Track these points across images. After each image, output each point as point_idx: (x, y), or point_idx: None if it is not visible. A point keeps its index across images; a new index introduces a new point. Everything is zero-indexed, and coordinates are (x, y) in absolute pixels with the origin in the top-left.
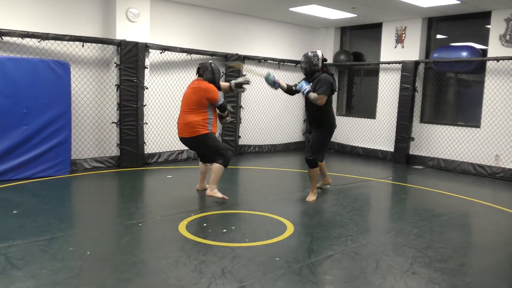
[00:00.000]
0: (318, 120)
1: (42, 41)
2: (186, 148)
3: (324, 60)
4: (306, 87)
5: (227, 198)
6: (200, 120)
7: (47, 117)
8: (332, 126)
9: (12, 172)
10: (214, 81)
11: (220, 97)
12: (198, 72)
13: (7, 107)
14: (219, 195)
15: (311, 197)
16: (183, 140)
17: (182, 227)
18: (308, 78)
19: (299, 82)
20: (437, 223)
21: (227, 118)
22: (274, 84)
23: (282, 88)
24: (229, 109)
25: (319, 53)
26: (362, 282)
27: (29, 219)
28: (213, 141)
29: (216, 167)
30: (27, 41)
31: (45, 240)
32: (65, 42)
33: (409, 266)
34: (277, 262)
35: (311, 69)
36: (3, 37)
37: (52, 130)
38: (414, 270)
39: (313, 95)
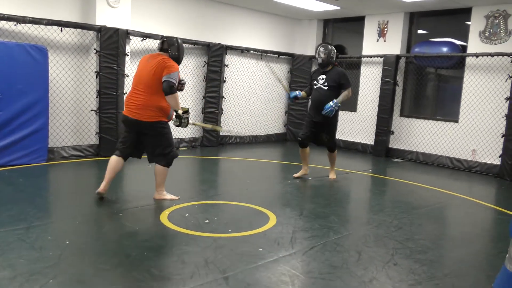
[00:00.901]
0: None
1: (18, 24)
2: None
3: (337, 56)
4: (335, 104)
5: (178, 197)
6: (165, 105)
7: (23, 103)
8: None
9: None
10: (178, 60)
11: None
12: (162, 45)
13: None
14: (169, 196)
15: (333, 175)
16: (133, 122)
17: (163, 217)
18: (322, 68)
19: (329, 106)
20: (416, 215)
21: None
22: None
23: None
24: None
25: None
26: (345, 272)
27: (4, 207)
28: (167, 134)
29: (160, 169)
30: (3, 24)
31: (22, 229)
32: (42, 27)
33: (390, 257)
34: (260, 253)
35: (328, 60)
36: None
37: (28, 116)
38: (395, 261)
39: (345, 95)
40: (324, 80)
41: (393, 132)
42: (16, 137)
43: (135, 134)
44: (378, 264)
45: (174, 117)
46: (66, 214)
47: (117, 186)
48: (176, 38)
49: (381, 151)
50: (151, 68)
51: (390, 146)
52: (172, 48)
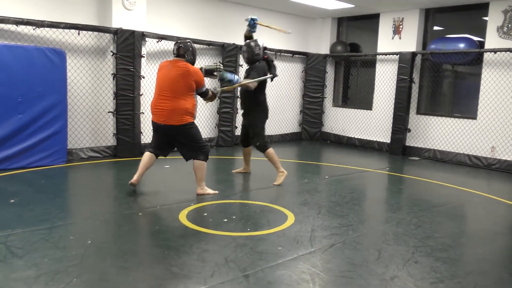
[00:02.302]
0: (254, 106)
1: (37, 28)
2: None
3: (265, 48)
4: (233, 77)
5: (217, 192)
6: (190, 106)
7: (42, 106)
8: (267, 110)
9: (7, 162)
10: (194, 62)
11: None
12: (178, 51)
13: (2, 96)
14: (211, 191)
15: (280, 180)
16: (162, 127)
17: (182, 217)
18: (250, 65)
19: (225, 74)
20: (435, 213)
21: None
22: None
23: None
24: (214, 91)
25: (260, 41)
26: (365, 270)
27: (27, 208)
28: (197, 132)
29: (199, 163)
30: (22, 28)
31: (45, 229)
32: (60, 30)
33: (410, 255)
34: (279, 251)
35: (254, 58)
36: None
37: (47, 119)
38: (415, 259)
39: (244, 81)
40: (245, 76)
41: (409, 130)
42: (36, 139)
43: (165, 137)
44: (399, 262)
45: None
46: (87, 214)
47: (135, 187)
48: (190, 42)
49: (398, 149)
50: (175, 74)
51: (407, 144)
52: (188, 53)
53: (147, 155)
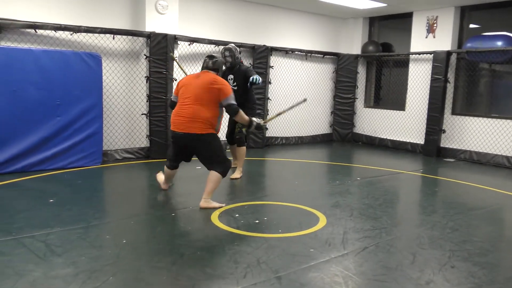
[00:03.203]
0: (244, 103)
1: (74, 33)
2: None
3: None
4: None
5: (224, 204)
6: (212, 117)
7: (79, 109)
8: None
9: (47, 162)
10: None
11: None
12: (213, 66)
13: (42, 99)
14: (216, 204)
15: (238, 174)
16: (182, 136)
17: (214, 218)
18: (230, 70)
19: (252, 78)
20: (473, 217)
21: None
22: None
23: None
24: (257, 122)
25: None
26: (400, 275)
27: (65, 207)
28: (218, 143)
29: (215, 175)
30: (60, 33)
31: (82, 228)
32: (96, 35)
33: (447, 259)
34: (312, 253)
35: (235, 61)
36: (37, 30)
37: (84, 121)
38: (452, 263)
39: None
40: (233, 81)
41: (444, 131)
42: (74, 141)
43: (184, 149)
44: (435, 266)
45: (254, 128)
46: (122, 214)
47: (169, 187)
48: (221, 59)
49: (432, 151)
50: (202, 82)
51: (442, 145)
52: (220, 70)
53: (167, 172)
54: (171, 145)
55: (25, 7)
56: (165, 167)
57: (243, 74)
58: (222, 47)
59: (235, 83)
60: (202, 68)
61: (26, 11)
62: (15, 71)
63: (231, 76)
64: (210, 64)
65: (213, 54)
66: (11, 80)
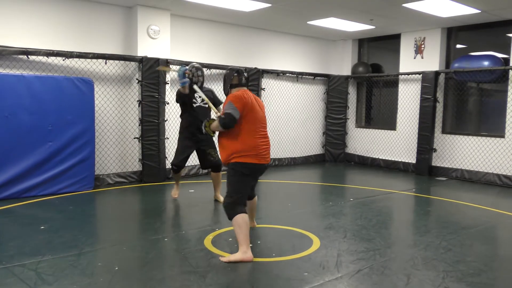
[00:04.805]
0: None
1: (66, 59)
2: None
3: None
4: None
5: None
6: None
7: (71, 133)
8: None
9: (38, 188)
10: None
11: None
12: (247, 82)
13: (33, 124)
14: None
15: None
16: (265, 168)
17: (207, 242)
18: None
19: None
20: (465, 236)
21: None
22: (183, 78)
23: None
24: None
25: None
26: None
27: (57, 234)
28: None
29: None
30: (52, 59)
31: (73, 256)
32: (88, 60)
33: (441, 280)
34: (306, 277)
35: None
36: (29, 56)
37: (76, 146)
38: (446, 284)
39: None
40: (201, 99)
41: (435, 150)
42: (65, 166)
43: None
44: (429, 287)
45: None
46: (114, 240)
47: (161, 212)
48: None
49: (424, 170)
50: (262, 108)
51: (433, 164)
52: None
53: (245, 217)
54: (246, 180)
55: (17, 33)
56: (242, 213)
57: (210, 94)
58: (193, 66)
59: (205, 102)
60: (241, 85)
61: (18, 37)
62: (7, 96)
63: (199, 94)
64: (245, 80)
65: (235, 68)
66: (3, 105)
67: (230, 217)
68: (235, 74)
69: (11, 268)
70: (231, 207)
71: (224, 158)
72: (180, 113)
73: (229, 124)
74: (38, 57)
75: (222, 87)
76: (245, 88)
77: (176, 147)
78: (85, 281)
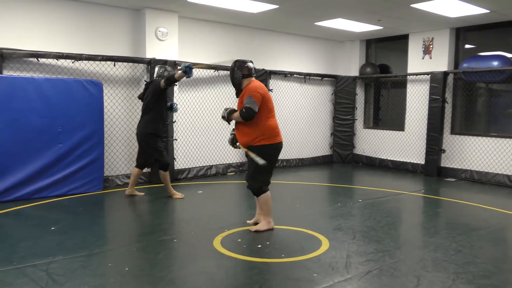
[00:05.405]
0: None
1: (76, 61)
2: (215, 163)
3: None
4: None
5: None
6: None
7: (81, 135)
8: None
9: (48, 190)
10: None
11: None
12: (255, 71)
13: (44, 126)
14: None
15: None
16: (282, 146)
17: (216, 243)
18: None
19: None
20: (475, 237)
21: None
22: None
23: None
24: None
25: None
26: None
27: (67, 235)
28: None
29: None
30: (62, 62)
31: (84, 256)
32: (97, 62)
33: (451, 282)
34: (315, 278)
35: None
36: (39, 59)
37: (86, 147)
38: (457, 286)
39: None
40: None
41: (444, 151)
42: (75, 167)
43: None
44: None
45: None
46: (124, 241)
47: (170, 213)
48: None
49: (433, 171)
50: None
51: (442, 165)
52: None
53: (269, 195)
54: (269, 161)
55: (27, 36)
56: (267, 191)
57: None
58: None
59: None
60: (251, 75)
61: (28, 40)
62: (17, 99)
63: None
64: (254, 70)
65: (244, 60)
66: (14, 108)
67: (257, 195)
68: (246, 65)
69: (22, 269)
70: (258, 187)
71: (246, 142)
72: (144, 108)
73: (249, 117)
74: (48, 59)
75: (231, 76)
76: (253, 77)
77: (155, 146)
78: (96, 282)
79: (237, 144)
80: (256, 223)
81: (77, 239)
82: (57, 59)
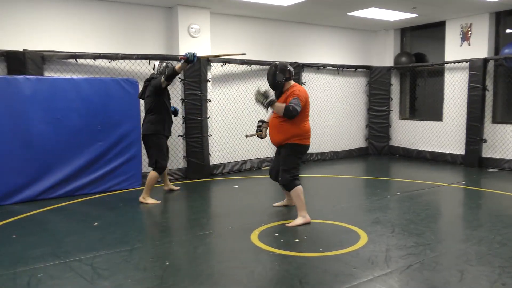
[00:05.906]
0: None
1: (112, 61)
2: (249, 158)
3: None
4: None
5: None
6: None
7: (119, 133)
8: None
9: (89, 186)
10: None
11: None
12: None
13: (84, 125)
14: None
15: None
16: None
17: (254, 237)
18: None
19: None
20: None
21: None
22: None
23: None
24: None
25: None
26: None
27: (109, 230)
28: None
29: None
30: (99, 62)
31: (126, 251)
32: (133, 61)
33: (497, 276)
34: (354, 272)
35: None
36: (77, 60)
37: (124, 145)
38: (503, 281)
39: None
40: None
41: (485, 140)
42: (114, 164)
43: None
44: (484, 284)
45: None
46: (163, 236)
47: (207, 208)
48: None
49: (474, 161)
50: None
51: (483, 155)
52: None
53: (302, 189)
54: (300, 158)
55: (66, 38)
56: (299, 185)
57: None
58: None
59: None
60: (291, 78)
61: (67, 43)
62: (58, 99)
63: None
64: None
65: (284, 63)
66: (55, 108)
67: (290, 189)
68: (288, 69)
69: (69, 263)
70: (291, 180)
71: (281, 139)
72: (149, 108)
73: (291, 116)
74: (86, 60)
75: (272, 79)
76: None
77: (159, 147)
78: (139, 276)
79: (258, 133)
80: (285, 206)
81: (119, 234)
82: (94, 60)
